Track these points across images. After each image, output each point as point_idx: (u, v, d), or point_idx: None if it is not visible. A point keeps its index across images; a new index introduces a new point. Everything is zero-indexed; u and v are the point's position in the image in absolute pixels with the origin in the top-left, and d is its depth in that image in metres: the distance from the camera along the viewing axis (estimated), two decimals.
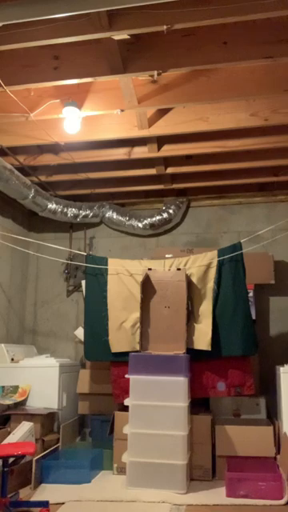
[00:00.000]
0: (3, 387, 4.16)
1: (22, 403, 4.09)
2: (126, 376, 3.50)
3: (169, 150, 4.16)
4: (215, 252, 4.04)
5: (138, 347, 3.79)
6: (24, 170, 4.49)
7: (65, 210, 5.01)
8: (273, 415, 4.05)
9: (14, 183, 4.28)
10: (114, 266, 4.11)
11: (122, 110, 3.40)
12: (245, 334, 3.84)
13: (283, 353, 4.58)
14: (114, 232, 5.32)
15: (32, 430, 3.70)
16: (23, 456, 2.97)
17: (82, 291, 4.96)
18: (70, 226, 5.39)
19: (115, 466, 3.69)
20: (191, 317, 3.88)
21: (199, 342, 3.81)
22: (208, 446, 3.62)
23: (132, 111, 3.51)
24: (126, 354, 3.73)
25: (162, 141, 4.13)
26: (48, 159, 4.38)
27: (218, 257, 4.00)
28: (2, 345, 4.40)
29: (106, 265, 4.13)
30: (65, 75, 3.07)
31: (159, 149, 4.15)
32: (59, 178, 4.75)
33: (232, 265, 3.98)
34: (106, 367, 4.16)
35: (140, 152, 4.24)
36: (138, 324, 3.80)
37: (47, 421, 3.94)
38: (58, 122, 3.77)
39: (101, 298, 4.06)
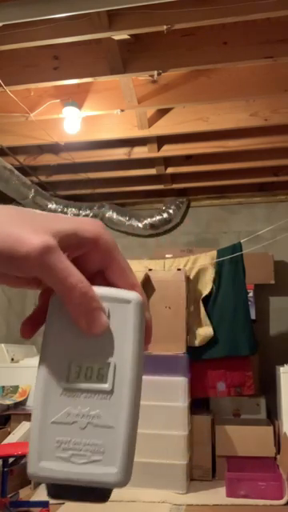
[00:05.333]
0: (3, 387, 4.16)
1: (22, 403, 4.09)
2: None
3: (169, 150, 4.16)
4: (215, 252, 4.04)
5: None
6: (24, 170, 4.49)
7: (65, 210, 5.01)
8: (273, 415, 4.05)
9: (13, 183, 4.28)
10: None
11: (122, 110, 3.40)
12: (245, 334, 3.84)
13: (283, 353, 4.58)
14: (113, 232, 5.31)
15: None
16: (23, 456, 2.97)
17: None
18: None
19: None
20: (191, 317, 3.88)
21: (199, 340, 3.81)
22: (208, 446, 3.62)
23: (132, 111, 3.50)
24: None
25: (162, 141, 4.12)
26: (48, 159, 4.38)
27: (218, 257, 4.00)
28: (2, 345, 4.40)
29: None
30: (65, 75, 3.07)
31: (159, 149, 4.15)
32: (59, 178, 4.75)
33: (232, 265, 3.98)
34: None
35: (140, 152, 4.23)
36: None
37: None
38: (58, 121, 3.76)
39: None
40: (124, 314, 0.35)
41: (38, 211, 0.36)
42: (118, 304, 0.35)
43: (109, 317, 0.34)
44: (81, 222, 0.35)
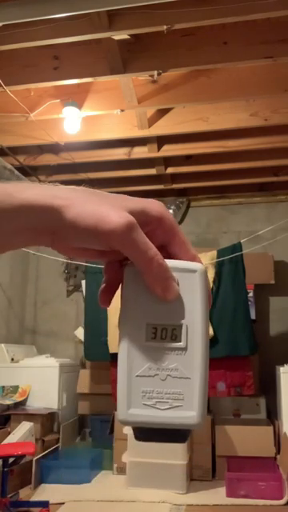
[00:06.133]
0: (3, 387, 4.16)
1: (22, 403, 4.09)
2: None
3: (169, 150, 4.16)
4: (215, 252, 4.04)
5: None
6: (24, 170, 4.49)
7: None
8: (273, 415, 4.05)
9: None
10: None
11: (122, 110, 3.40)
12: (245, 334, 3.84)
13: (283, 353, 4.58)
14: None
15: (32, 430, 3.71)
16: (23, 456, 2.98)
17: (81, 291, 4.96)
18: None
19: (115, 465, 3.69)
20: None
21: None
22: (208, 446, 3.62)
23: (132, 111, 3.50)
24: None
25: (162, 141, 4.12)
26: (48, 159, 4.38)
27: (218, 257, 4.00)
28: (2, 345, 4.40)
29: None
30: (65, 75, 3.07)
31: (159, 149, 4.15)
32: (59, 178, 4.75)
33: (232, 265, 3.98)
34: (106, 367, 4.16)
35: (140, 152, 4.23)
36: None
37: (47, 421, 3.94)
38: (58, 121, 3.76)
39: None
40: (191, 282, 0.40)
41: (106, 192, 0.40)
42: (185, 273, 0.40)
43: (178, 285, 0.39)
44: (147, 201, 0.40)
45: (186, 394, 0.38)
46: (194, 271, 0.40)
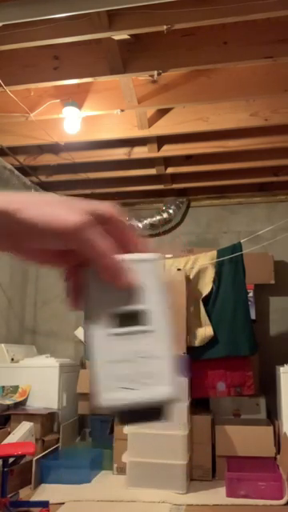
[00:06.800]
0: (3, 387, 4.16)
1: (22, 403, 4.09)
2: None
3: (169, 150, 4.16)
4: (215, 252, 4.04)
5: None
6: (24, 170, 4.49)
7: None
8: (273, 415, 4.05)
9: (13, 183, 4.27)
10: None
11: (122, 110, 3.40)
12: (245, 334, 3.84)
13: (283, 353, 4.58)
14: None
15: (32, 430, 3.71)
16: (23, 456, 2.98)
17: None
18: None
19: (115, 466, 3.69)
20: (191, 317, 3.88)
21: (199, 341, 3.81)
22: (208, 446, 3.62)
23: (132, 111, 3.50)
24: None
25: (162, 141, 4.12)
26: (48, 159, 4.38)
27: (218, 257, 4.00)
28: (2, 345, 4.40)
29: None
30: (65, 75, 3.07)
31: (159, 149, 4.15)
32: (59, 178, 4.75)
33: (232, 265, 3.98)
34: None
35: (140, 152, 4.23)
36: None
37: (47, 421, 3.94)
38: (58, 121, 3.76)
39: None
40: (147, 270, 0.43)
41: (62, 196, 0.43)
42: (141, 263, 0.43)
43: (137, 274, 0.42)
44: (99, 203, 0.43)
45: (157, 372, 0.40)
46: (148, 261, 0.43)
